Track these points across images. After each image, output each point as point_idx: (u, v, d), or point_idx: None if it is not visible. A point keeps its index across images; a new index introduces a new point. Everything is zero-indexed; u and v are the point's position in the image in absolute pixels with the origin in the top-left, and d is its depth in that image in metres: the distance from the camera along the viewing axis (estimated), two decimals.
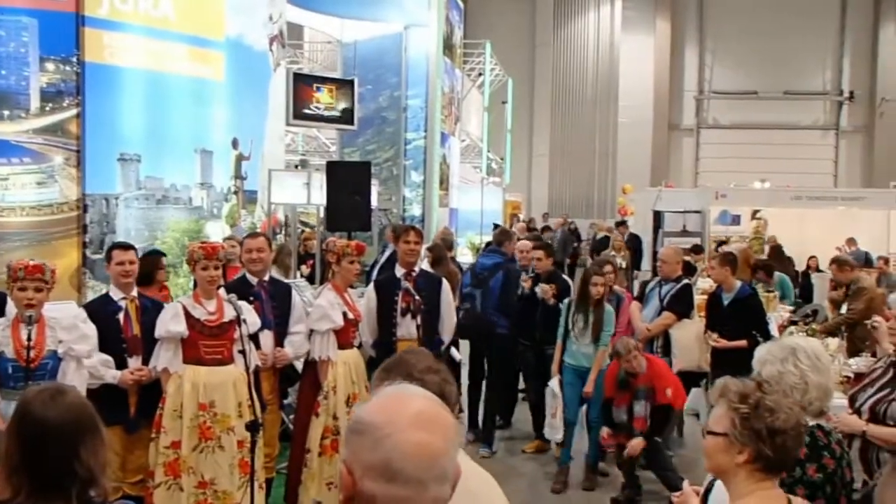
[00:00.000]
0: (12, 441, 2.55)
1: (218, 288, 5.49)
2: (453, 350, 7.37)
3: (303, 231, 14.15)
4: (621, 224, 21.93)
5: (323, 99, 11.05)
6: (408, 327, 6.57)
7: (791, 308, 10.46)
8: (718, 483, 2.86)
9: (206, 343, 5.30)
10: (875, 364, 4.68)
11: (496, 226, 14.07)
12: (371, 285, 7.15)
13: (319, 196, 9.40)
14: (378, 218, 13.04)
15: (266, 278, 6.16)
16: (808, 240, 16.40)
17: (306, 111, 11.11)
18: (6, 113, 7.63)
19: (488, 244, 10.64)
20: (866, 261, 14.41)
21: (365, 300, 6.85)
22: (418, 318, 6.45)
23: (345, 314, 6.07)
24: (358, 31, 14.06)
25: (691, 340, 7.52)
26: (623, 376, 6.71)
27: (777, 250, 14.38)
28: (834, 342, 7.50)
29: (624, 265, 14.75)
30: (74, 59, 7.84)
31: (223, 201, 9.58)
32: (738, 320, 7.12)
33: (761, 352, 3.35)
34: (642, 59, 29.95)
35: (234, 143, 9.77)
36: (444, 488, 1.62)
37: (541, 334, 7.83)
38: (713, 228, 18.23)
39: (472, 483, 1.66)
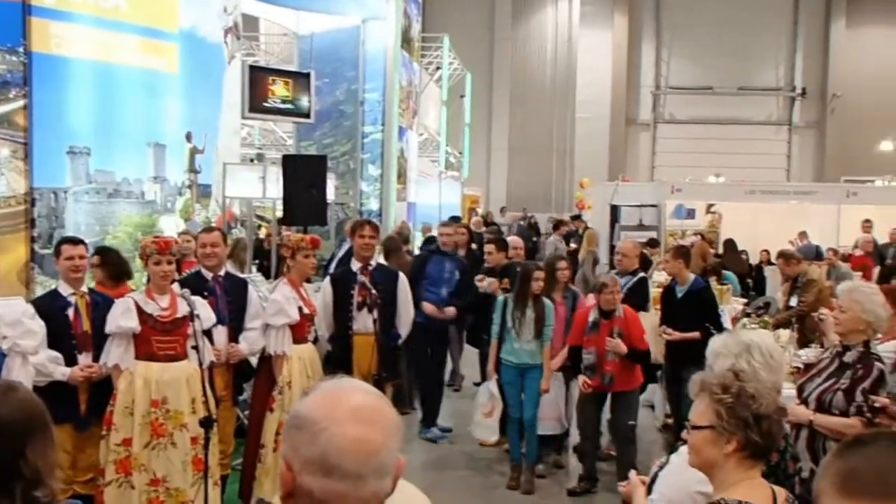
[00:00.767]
0: None
1: (172, 283, 5.43)
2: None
3: (260, 226, 14.04)
4: (576, 218, 22.05)
5: (279, 92, 10.93)
6: (364, 321, 6.56)
7: (744, 301, 10.59)
8: (662, 474, 2.89)
9: (158, 339, 5.23)
10: (822, 355, 4.75)
11: (455, 218, 14.10)
12: (327, 279, 7.12)
13: (275, 190, 9.31)
14: (335, 212, 12.96)
15: (221, 273, 6.10)
16: (762, 233, 16.61)
17: (262, 104, 11.00)
18: None
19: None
20: (817, 254, 14.62)
21: (321, 294, 6.82)
22: (375, 312, 6.42)
23: (300, 309, 6.05)
24: (314, 23, 13.93)
25: (647, 333, 7.57)
26: (596, 318, 6.65)
27: (730, 244, 14.56)
28: (785, 334, 7.62)
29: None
30: (21, 50, 7.66)
31: (177, 195, 9.46)
32: (692, 313, 7.19)
33: (716, 344, 3.37)
34: (600, 54, 30.13)
35: (188, 137, 9.65)
36: (384, 483, 1.61)
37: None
38: (669, 222, 18.41)
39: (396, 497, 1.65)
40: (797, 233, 16.52)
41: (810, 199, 18.86)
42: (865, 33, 29.80)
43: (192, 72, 9.52)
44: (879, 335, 4.73)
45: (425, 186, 19.52)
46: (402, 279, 7.11)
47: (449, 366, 9.90)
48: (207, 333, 5.48)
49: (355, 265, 6.86)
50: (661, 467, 2.99)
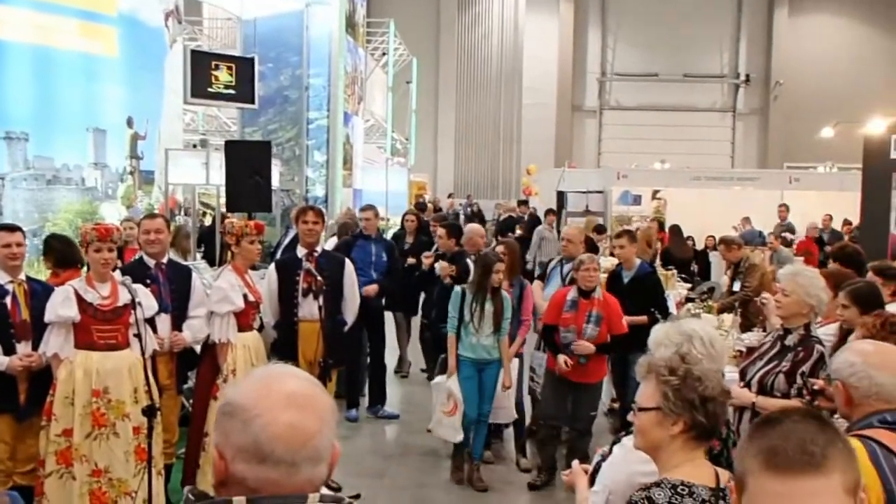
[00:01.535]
0: None
1: (113, 270, 5.33)
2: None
3: (205, 213, 13.86)
4: (523, 203, 22.13)
5: (222, 77, 10.77)
6: (310, 308, 6.53)
7: (689, 286, 10.74)
8: (605, 465, 2.92)
9: (99, 328, 5.13)
10: (764, 338, 4.84)
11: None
12: (272, 266, 7.06)
13: (219, 176, 9.19)
14: (280, 198, 12.85)
15: (164, 260, 6.00)
16: (707, 219, 16.83)
17: (205, 89, 10.84)
18: None
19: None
20: (760, 238, 14.90)
21: (266, 281, 6.76)
22: (320, 299, 6.38)
23: (245, 296, 5.98)
24: (258, 8, 13.77)
25: None
26: (575, 297, 6.58)
27: (675, 230, 14.70)
28: (728, 318, 7.74)
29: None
30: None
31: (118, 182, 9.30)
32: (638, 298, 7.24)
33: (658, 333, 3.40)
34: (546, 40, 30.25)
35: (130, 122, 9.48)
36: (319, 469, 1.60)
37: (437, 313, 7.90)
38: (615, 208, 18.57)
39: None
40: (741, 218, 16.79)
41: (754, 185, 19.18)
42: (807, 22, 30.34)
43: (133, 56, 9.36)
44: (820, 318, 4.83)
45: (372, 173, 19.46)
46: (349, 265, 7.08)
47: (396, 352, 9.93)
48: (150, 322, 5.39)
49: (300, 251, 6.82)
50: (603, 458, 3.01)
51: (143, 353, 4.91)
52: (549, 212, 16.84)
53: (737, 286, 8.96)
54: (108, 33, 9.01)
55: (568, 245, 7.98)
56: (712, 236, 16.04)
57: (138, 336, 4.94)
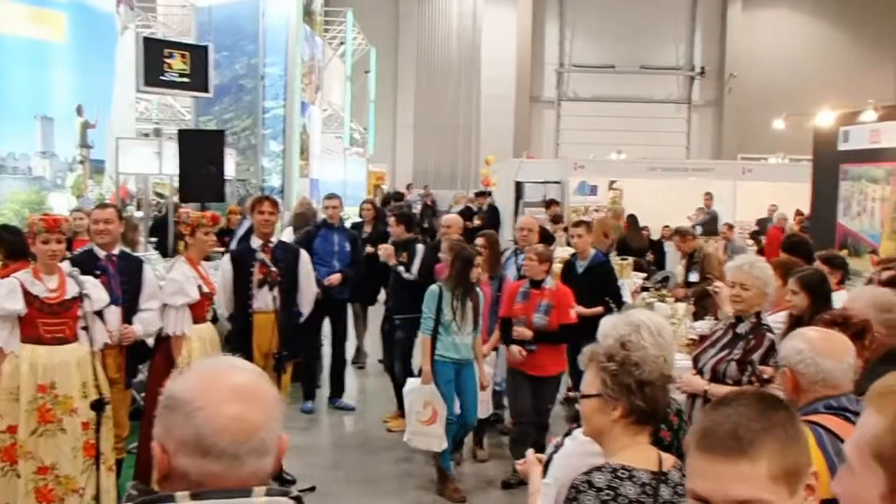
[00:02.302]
0: None
1: (61, 261, 5.21)
2: None
3: (158, 202, 13.66)
4: (481, 194, 22.13)
5: (176, 65, 10.59)
6: (264, 299, 6.45)
7: (644, 275, 10.80)
8: (557, 456, 2.91)
9: (45, 321, 5.02)
10: (716, 326, 4.88)
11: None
12: (226, 256, 6.97)
13: (172, 166, 9.05)
14: (236, 189, 12.70)
15: (115, 252, 5.87)
16: (663, 209, 16.94)
17: (158, 78, 10.66)
18: None
19: None
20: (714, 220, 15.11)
21: (220, 272, 6.67)
22: (275, 290, 6.30)
23: (200, 287, 5.89)
24: None
25: None
26: (527, 288, 6.54)
27: (631, 220, 14.80)
28: (682, 307, 7.80)
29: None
30: None
31: (67, 171, 9.12)
32: (592, 288, 7.26)
33: (606, 325, 3.42)
34: (505, 31, 30.22)
35: (79, 110, 9.30)
36: (264, 462, 1.57)
37: (393, 304, 7.88)
38: (572, 199, 18.62)
39: None
40: (696, 209, 16.96)
41: (709, 175, 19.32)
42: (760, 15, 30.66)
43: (82, 42, 9.19)
44: (769, 307, 4.88)
45: (329, 163, 19.31)
46: (304, 256, 7.00)
47: (353, 342, 9.87)
48: (100, 314, 5.29)
49: (255, 242, 6.72)
50: (556, 449, 3.01)
51: (91, 347, 4.82)
52: (550, 203, 16.70)
53: (692, 276, 9.03)
54: (57, 19, 8.83)
55: (528, 234, 7.94)
56: (668, 226, 16.18)
57: (86, 329, 4.84)
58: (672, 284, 9.84)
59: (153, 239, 10.32)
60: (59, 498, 4.96)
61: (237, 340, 6.56)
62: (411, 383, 6.54)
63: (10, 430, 4.90)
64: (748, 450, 1.55)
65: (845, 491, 1.07)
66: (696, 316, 7.62)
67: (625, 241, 13.00)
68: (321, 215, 9.10)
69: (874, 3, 29.31)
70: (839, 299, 4.66)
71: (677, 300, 8.42)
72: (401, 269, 7.79)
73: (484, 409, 6.93)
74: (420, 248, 7.98)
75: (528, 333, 6.38)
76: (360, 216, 10.64)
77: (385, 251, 7.92)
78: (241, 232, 9.25)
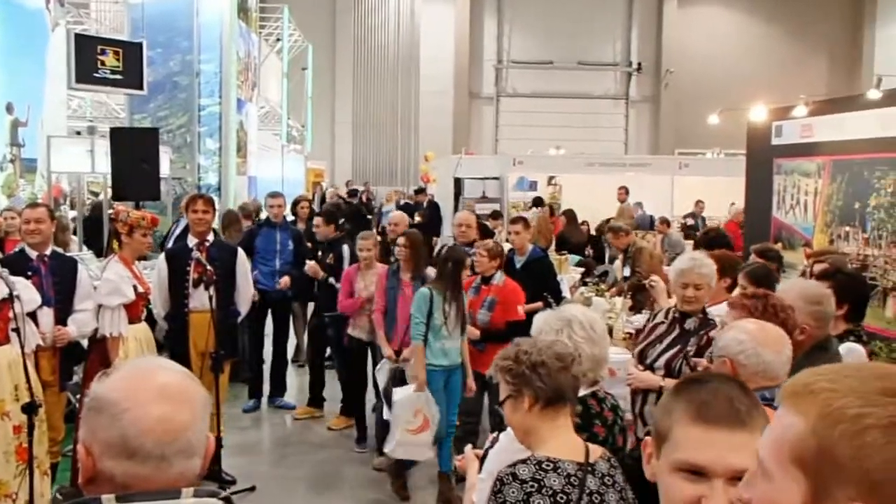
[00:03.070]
0: None
1: None
2: None
3: (92, 201, 13.41)
4: (420, 191, 22.14)
5: (108, 62, 10.43)
6: (200, 298, 6.40)
7: (582, 269, 10.93)
8: (492, 451, 2.95)
9: None
10: (655, 320, 4.91)
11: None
12: (162, 256, 6.90)
13: (105, 164, 8.92)
14: (172, 187, 12.54)
15: (47, 252, 5.78)
16: (601, 204, 17.13)
17: (91, 75, 10.48)
18: None
19: None
20: (650, 224, 15.29)
21: (156, 271, 6.61)
22: (211, 289, 6.26)
23: (135, 287, 5.83)
24: None
25: None
26: (478, 284, 6.55)
27: (570, 215, 14.95)
28: (619, 301, 7.91)
29: None
30: None
31: None
32: (531, 283, 7.31)
33: (539, 322, 3.43)
34: (443, 28, 30.27)
35: (9, 108, 9.11)
36: (192, 463, 1.56)
37: (322, 301, 7.95)
38: (512, 194, 18.75)
39: None
40: (633, 203, 17.18)
41: (646, 170, 19.62)
42: (696, 12, 31.20)
43: (11, 39, 9.00)
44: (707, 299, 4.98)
45: (267, 160, 19.16)
46: (241, 255, 6.96)
47: (293, 341, 9.83)
48: (32, 315, 5.20)
49: (191, 241, 6.67)
50: (492, 444, 3.05)
51: (22, 349, 4.74)
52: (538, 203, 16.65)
53: (627, 271, 9.17)
54: None
55: (468, 230, 7.97)
56: (607, 220, 16.38)
57: (17, 331, 4.76)
58: (611, 279, 9.98)
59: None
60: None
61: (174, 340, 6.51)
62: (401, 393, 6.17)
63: None
64: (747, 420, 1.64)
65: (759, 496, 1.08)
66: (633, 310, 7.74)
67: (563, 235, 13.13)
68: (264, 213, 9.06)
69: (806, 1, 30.07)
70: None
71: (613, 295, 8.54)
72: (332, 280, 7.80)
73: None
74: (346, 248, 7.95)
75: (476, 333, 6.41)
76: (294, 213, 10.59)
77: (311, 268, 7.96)
78: (178, 231, 9.15)
